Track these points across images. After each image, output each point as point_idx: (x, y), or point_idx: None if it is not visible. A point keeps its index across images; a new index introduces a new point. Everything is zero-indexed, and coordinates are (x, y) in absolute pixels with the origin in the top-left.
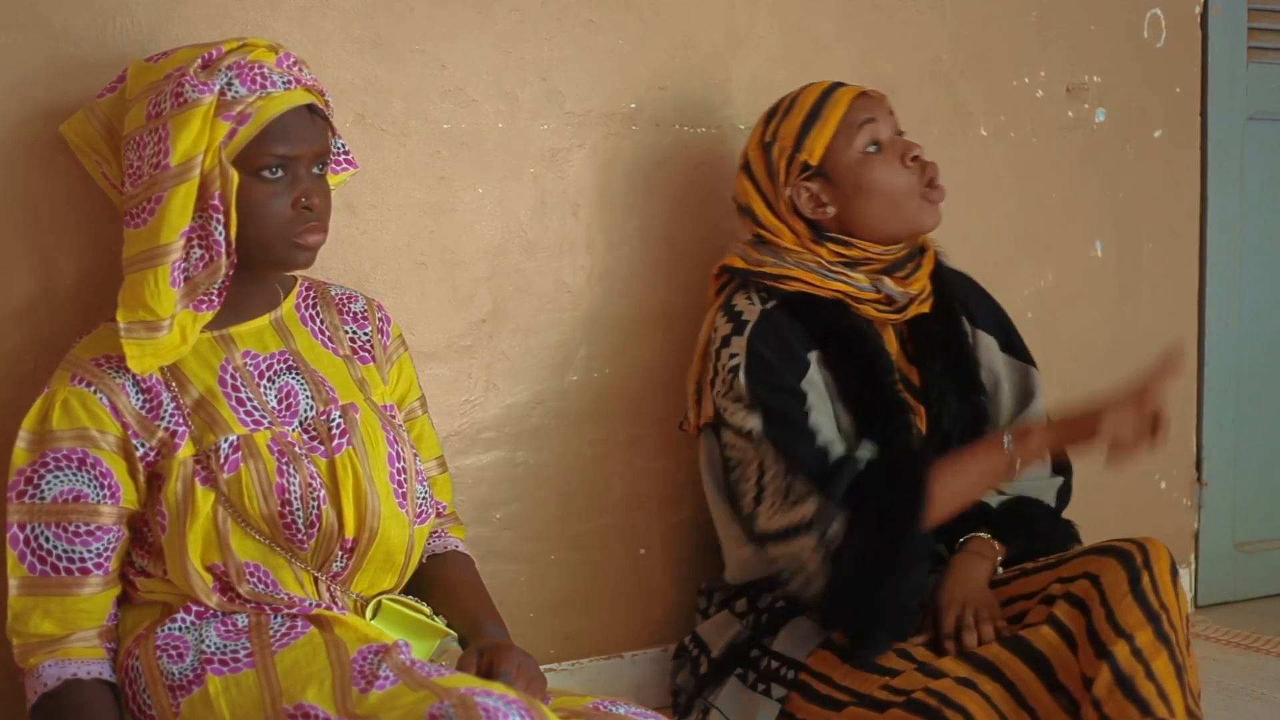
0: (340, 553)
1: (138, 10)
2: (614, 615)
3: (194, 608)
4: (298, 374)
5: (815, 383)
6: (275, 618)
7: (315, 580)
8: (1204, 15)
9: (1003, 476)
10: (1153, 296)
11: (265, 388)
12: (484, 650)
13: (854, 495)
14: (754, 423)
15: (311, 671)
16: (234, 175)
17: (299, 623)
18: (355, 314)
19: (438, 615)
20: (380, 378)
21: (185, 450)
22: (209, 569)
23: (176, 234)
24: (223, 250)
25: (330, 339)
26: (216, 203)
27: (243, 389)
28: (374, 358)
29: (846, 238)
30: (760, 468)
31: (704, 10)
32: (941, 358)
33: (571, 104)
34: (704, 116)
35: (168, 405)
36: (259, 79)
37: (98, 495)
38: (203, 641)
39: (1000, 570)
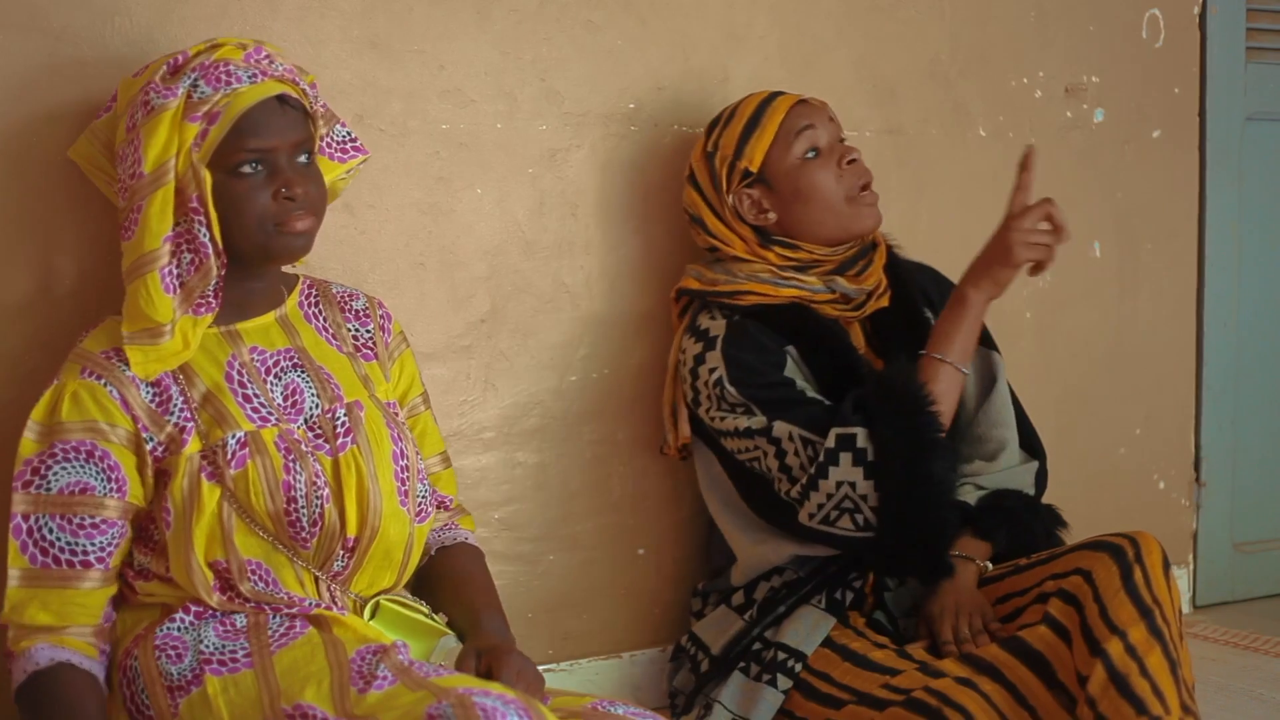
0: (341, 552)
1: (136, 11)
2: (612, 615)
3: (193, 608)
4: (303, 371)
5: (795, 373)
6: (274, 618)
7: (316, 580)
8: (1202, 15)
9: (977, 318)
10: (1151, 297)
11: (272, 384)
12: (482, 652)
13: (863, 410)
14: (758, 419)
15: (310, 672)
16: (206, 176)
17: (297, 623)
18: (357, 312)
19: (441, 609)
20: (383, 375)
21: (192, 446)
22: (211, 565)
23: (159, 240)
24: (210, 251)
25: (334, 336)
26: (195, 205)
27: (249, 385)
28: (376, 355)
29: (792, 241)
30: (779, 452)
31: (702, 11)
32: (905, 348)
33: (570, 104)
34: (702, 117)
35: (176, 400)
36: (224, 77)
37: (105, 488)
38: (201, 641)
39: (990, 567)
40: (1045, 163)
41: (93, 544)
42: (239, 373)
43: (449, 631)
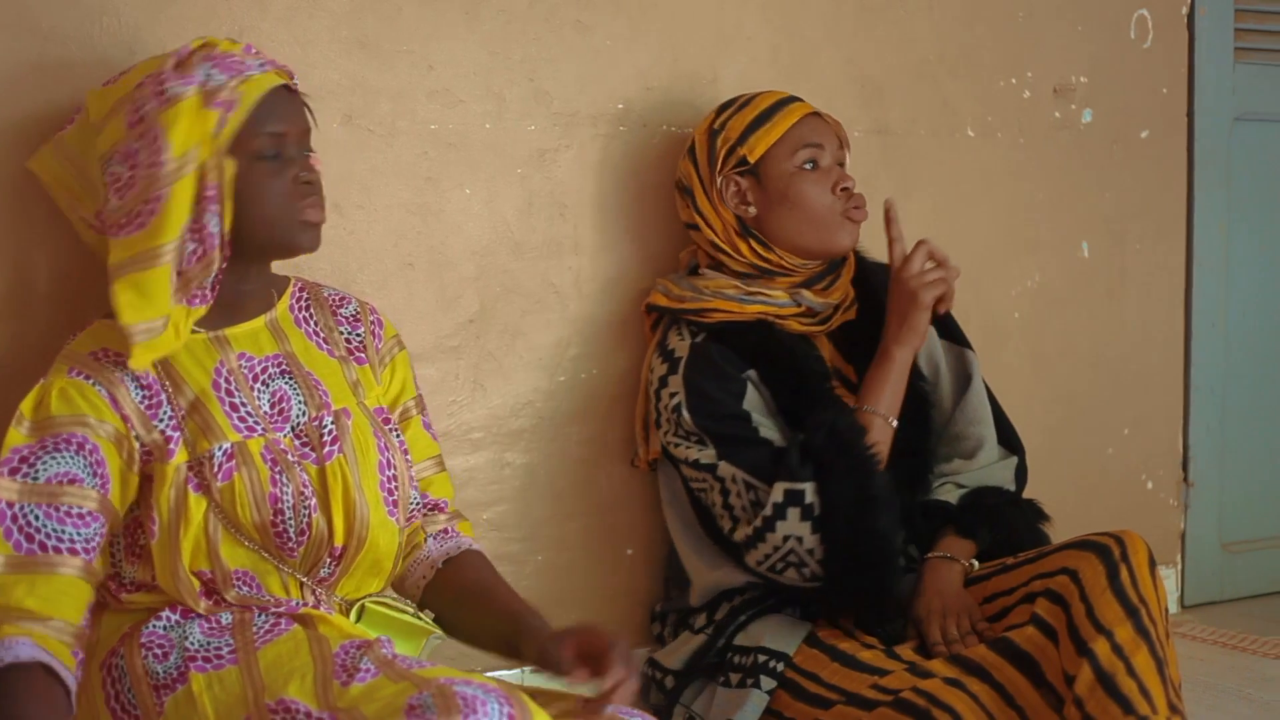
0: (328, 559)
1: (124, 11)
2: (601, 615)
3: (179, 607)
4: (291, 378)
5: (755, 402)
6: (259, 615)
7: (301, 585)
8: (1191, 16)
9: (904, 372)
10: (1140, 297)
11: (259, 391)
12: (565, 635)
13: (809, 464)
14: (708, 453)
15: (294, 667)
16: (228, 163)
17: (283, 620)
18: (348, 317)
19: (467, 626)
20: (374, 379)
21: (180, 456)
22: (196, 574)
23: (178, 230)
24: (216, 243)
25: (325, 340)
26: (212, 194)
27: (236, 393)
28: (368, 359)
29: (767, 241)
30: (723, 491)
31: (692, 11)
32: (875, 353)
33: (559, 104)
34: (692, 117)
35: (165, 406)
36: (235, 65)
37: (91, 481)
38: (186, 639)
39: (977, 565)
40: (1033, 163)
41: (79, 534)
42: (226, 380)
43: (436, 630)
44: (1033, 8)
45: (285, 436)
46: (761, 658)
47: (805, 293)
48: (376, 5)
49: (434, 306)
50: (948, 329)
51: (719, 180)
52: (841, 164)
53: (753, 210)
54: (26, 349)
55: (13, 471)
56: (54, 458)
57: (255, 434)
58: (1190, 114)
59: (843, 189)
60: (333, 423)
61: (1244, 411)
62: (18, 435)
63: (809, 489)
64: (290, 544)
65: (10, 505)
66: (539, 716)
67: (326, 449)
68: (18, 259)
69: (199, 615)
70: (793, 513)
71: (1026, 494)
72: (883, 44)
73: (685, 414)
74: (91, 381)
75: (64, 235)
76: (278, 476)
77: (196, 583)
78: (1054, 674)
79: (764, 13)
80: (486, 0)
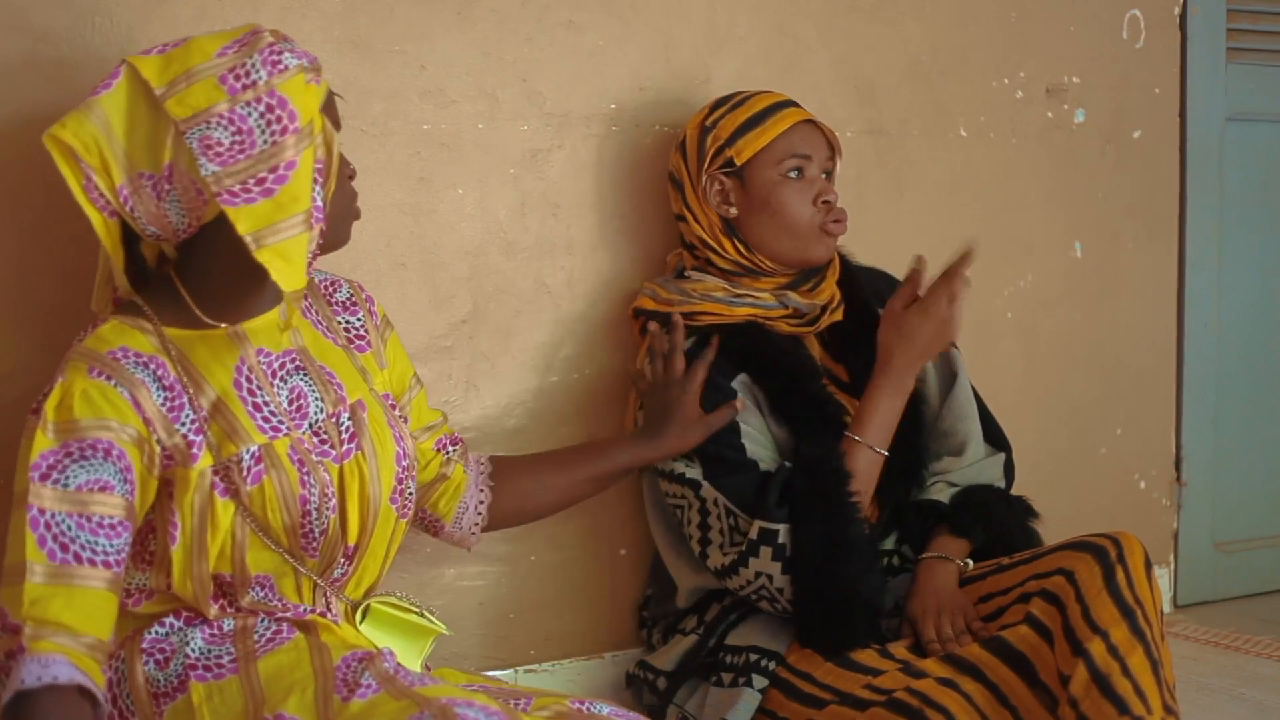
0: (342, 559)
1: (116, 11)
2: (595, 616)
3: (183, 613)
4: (306, 374)
5: (748, 407)
6: (261, 621)
7: (314, 587)
8: (1183, 16)
9: (900, 399)
10: (1132, 297)
11: (278, 388)
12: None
13: (787, 502)
14: (694, 469)
15: (294, 679)
16: (336, 135)
17: (284, 627)
18: (342, 303)
19: (547, 498)
20: (378, 364)
21: (204, 461)
22: (215, 578)
23: (309, 198)
24: (322, 216)
25: (328, 329)
26: (321, 166)
27: (259, 391)
28: (370, 344)
29: (747, 242)
30: (703, 510)
31: (684, 11)
32: (864, 353)
33: (551, 105)
34: (684, 117)
35: (186, 409)
36: (299, 51)
37: (121, 488)
38: (187, 646)
39: (971, 564)
40: (1026, 163)
41: (111, 545)
42: (247, 378)
43: (443, 628)
44: (1025, 8)
45: (304, 434)
46: (754, 657)
47: (791, 294)
48: (369, 5)
49: (427, 307)
50: None
51: (704, 178)
52: (830, 173)
53: (734, 211)
54: (18, 348)
55: (44, 477)
56: (83, 465)
57: (280, 434)
58: (1182, 114)
59: (824, 201)
60: (350, 418)
61: (1237, 411)
62: (44, 440)
63: (783, 530)
64: (313, 544)
65: (43, 513)
66: None
67: (345, 447)
68: (15, 263)
69: (201, 622)
70: (765, 551)
71: (1017, 492)
72: (875, 44)
73: None
74: (113, 383)
75: (65, 239)
76: (305, 477)
77: (212, 587)
78: (1048, 674)
79: (757, 13)
80: (479, 1)
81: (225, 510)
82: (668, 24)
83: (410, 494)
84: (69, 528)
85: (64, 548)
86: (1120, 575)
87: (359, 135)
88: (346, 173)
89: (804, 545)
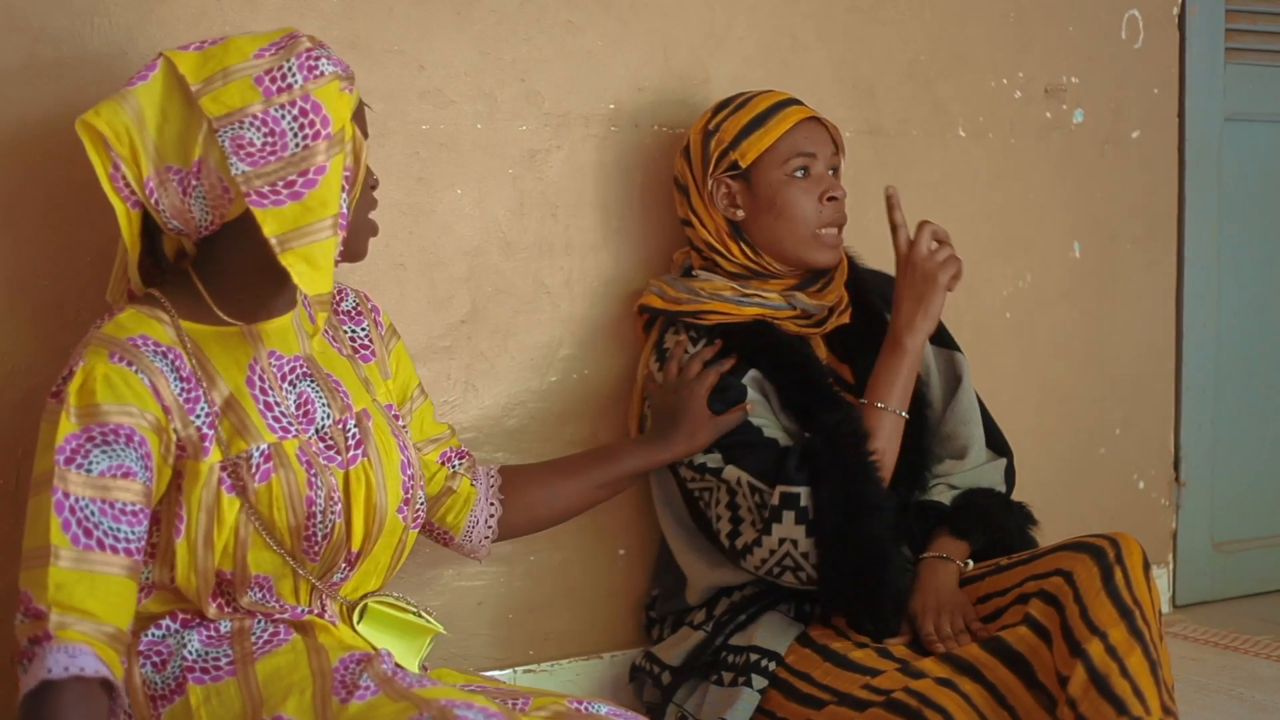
0: (344, 564)
1: (115, 11)
2: (594, 616)
3: (180, 614)
4: (312, 381)
5: (758, 402)
6: (259, 622)
7: (312, 589)
8: (1182, 16)
9: (915, 363)
10: (1131, 297)
11: (287, 391)
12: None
13: (806, 467)
14: (713, 456)
15: (292, 681)
16: (365, 142)
17: (281, 629)
18: (348, 312)
19: (570, 492)
20: (381, 374)
21: (214, 455)
22: (216, 574)
23: (338, 204)
24: (346, 223)
25: (334, 339)
26: (349, 174)
27: (270, 392)
28: (374, 354)
29: (754, 244)
30: (730, 492)
31: (682, 11)
32: (870, 356)
33: (550, 105)
34: (683, 117)
35: (201, 402)
36: (335, 59)
37: (143, 475)
38: (185, 648)
39: (971, 564)
40: (1024, 163)
41: (133, 532)
42: (260, 378)
43: (440, 628)
44: (1024, 8)
45: (311, 438)
46: (754, 656)
47: (799, 295)
48: (367, 6)
49: (425, 307)
50: (937, 333)
51: (710, 182)
52: (836, 169)
53: (741, 214)
54: (24, 349)
55: (68, 461)
56: (105, 450)
57: (289, 435)
58: (1181, 114)
59: (830, 198)
60: (355, 426)
61: (1235, 411)
62: (68, 424)
63: (804, 493)
64: (316, 547)
65: (68, 496)
66: None
67: (350, 453)
68: (14, 262)
69: (198, 624)
70: (788, 515)
71: (1017, 494)
72: (874, 44)
73: None
74: (134, 369)
75: (63, 239)
76: (313, 479)
77: (213, 584)
78: (1046, 674)
79: (755, 13)
80: (477, 1)
81: (231, 507)
82: (666, 24)
83: (420, 504)
84: (92, 513)
85: (88, 533)
86: (1119, 576)
87: None
88: (370, 182)
89: (825, 506)
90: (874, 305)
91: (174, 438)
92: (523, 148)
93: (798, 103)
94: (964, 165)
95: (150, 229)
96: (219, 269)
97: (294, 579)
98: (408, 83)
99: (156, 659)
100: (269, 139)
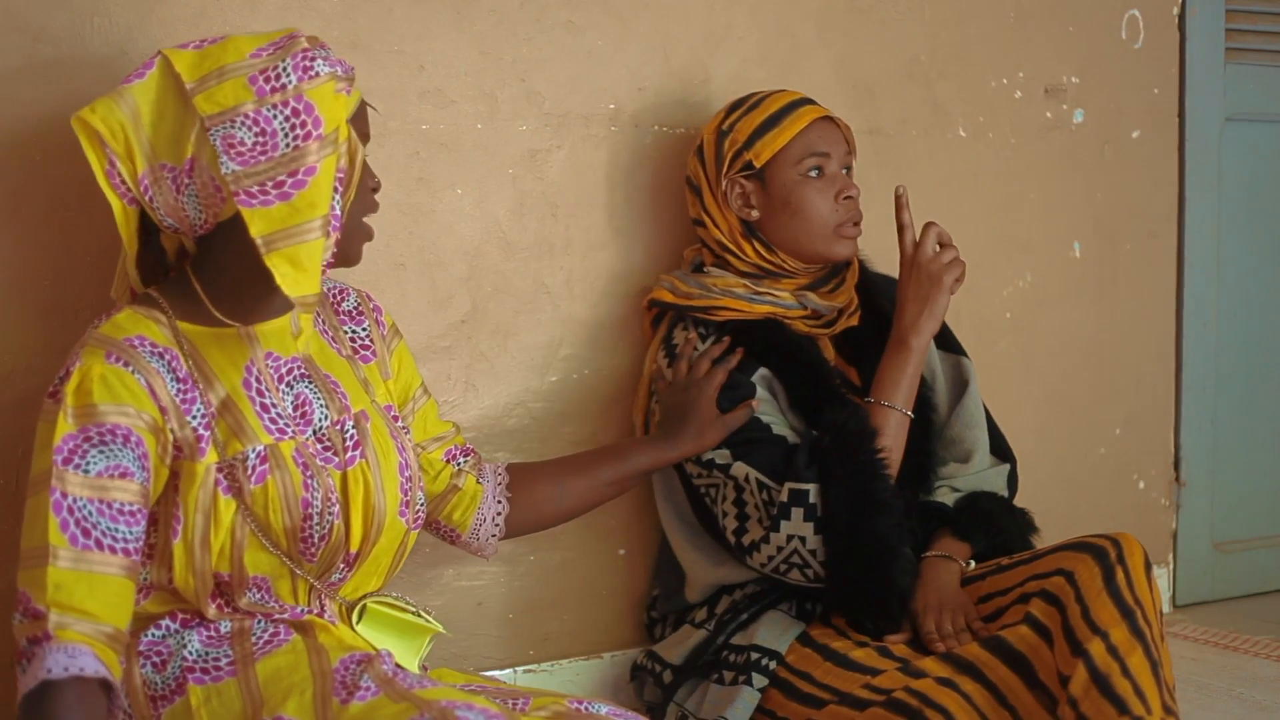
0: (342, 565)
1: (115, 11)
2: (593, 616)
3: (180, 615)
4: (311, 382)
5: (766, 400)
6: (259, 623)
7: (310, 590)
8: (1182, 16)
9: (920, 362)
10: (1131, 297)
11: (284, 392)
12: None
13: (815, 465)
14: (721, 453)
15: (293, 682)
16: (361, 148)
17: (281, 629)
18: (349, 312)
19: (582, 489)
20: (381, 375)
21: (210, 456)
22: (214, 576)
23: (328, 205)
24: (339, 225)
25: (334, 339)
26: (343, 175)
27: (266, 394)
28: (375, 354)
29: (769, 244)
30: (737, 488)
31: (683, 11)
32: (877, 358)
33: (550, 105)
34: (683, 117)
35: (198, 403)
36: (334, 59)
37: (140, 475)
38: (185, 648)
39: (973, 565)
40: (1025, 163)
41: (130, 532)
42: (256, 379)
43: (439, 628)
44: (1024, 8)
45: (309, 439)
46: (754, 655)
47: (810, 295)
48: (367, 5)
49: (425, 307)
50: (944, 338)
51: (724, 183)
52: (849, 168)
53: (755, 214)
54: (22, 348)
55: (66, 461)
56: (103, 451)
57: (286, 436)
58: (1181, 114)
59: (846, 197)
60: (354, 427)
61: (1235, 411)
62: (66, 424)
63: (813, 490)
64: (312, 548)
65: (65, 496)
66: None
67: (349, 454)
68: (14, 261)
69: (198, 624)
70: (796, 512)
71: (1018, 497)
72: (874, 44)
73: None
74: (131, 369)
75: (62, 238)
76: (309, 480)
77: (212, 585)
78: (1047, 674)
79: (755, 13)
80: (477, 1)
81: (227, 508)
82: (666, 24)
83: (420, 505)
84: (90, 513)
85: (86, 533)
86: (1120, 576)
87: None
88: (370, 184)
89: (834, 503)
90: (883, 309)
91: (171, 438)
92: (523, 148)
93: (811, 102)
94: (964, 165)
95: (149, 227)
96: (215, 269)
97: (292, 579)
98: (408, 83)
99: (156, 659)
100: (260, 138)
